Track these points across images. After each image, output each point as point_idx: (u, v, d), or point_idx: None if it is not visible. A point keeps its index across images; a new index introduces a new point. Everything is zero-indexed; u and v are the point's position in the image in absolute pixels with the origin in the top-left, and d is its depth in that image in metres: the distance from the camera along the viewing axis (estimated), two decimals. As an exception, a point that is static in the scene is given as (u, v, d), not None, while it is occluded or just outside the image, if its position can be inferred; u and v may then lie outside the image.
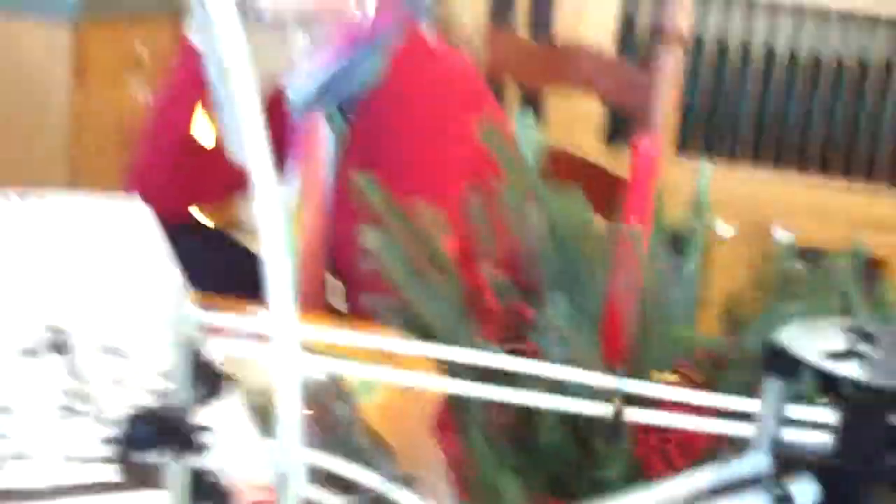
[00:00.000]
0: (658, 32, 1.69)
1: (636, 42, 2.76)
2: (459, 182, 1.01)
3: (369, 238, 0.81)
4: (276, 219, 0.31)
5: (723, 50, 2.81)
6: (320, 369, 0.43)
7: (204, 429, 0.33)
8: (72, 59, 2.98)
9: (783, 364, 0.23)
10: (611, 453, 0.64)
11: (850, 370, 0.23)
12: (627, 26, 2.79)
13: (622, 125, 2.67)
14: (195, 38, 1.57)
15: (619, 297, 0.75)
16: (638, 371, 0.69)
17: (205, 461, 0.33)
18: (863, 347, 0.23)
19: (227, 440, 0.33)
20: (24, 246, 0.86)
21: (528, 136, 0.87)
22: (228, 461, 0.33)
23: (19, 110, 2.94)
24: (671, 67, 1.67)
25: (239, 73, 0.33)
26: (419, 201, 0.83)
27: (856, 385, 0.22)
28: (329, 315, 1.49)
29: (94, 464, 0.62)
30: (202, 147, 1.61)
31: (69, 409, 0.71)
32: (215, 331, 0.36)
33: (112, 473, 0.57)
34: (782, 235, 2.50)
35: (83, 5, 3.01)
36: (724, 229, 2.53)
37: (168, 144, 1.59)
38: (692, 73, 2.78)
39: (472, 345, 0.73)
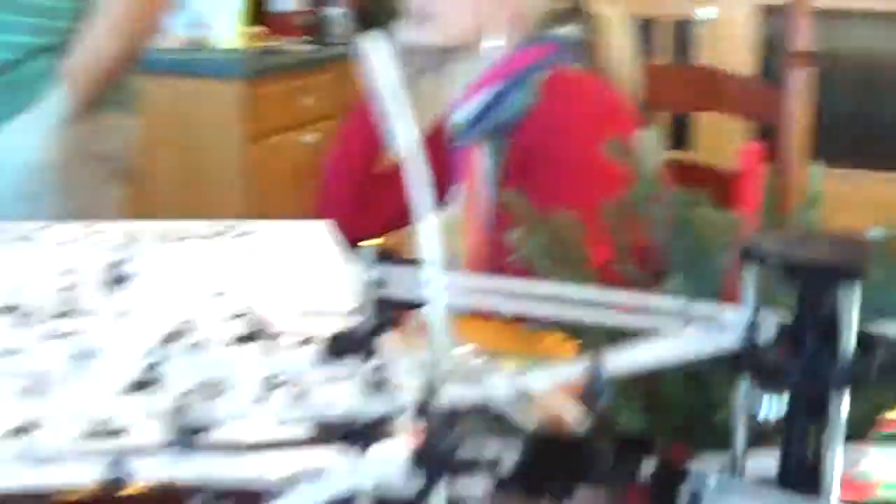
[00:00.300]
0: (786, 53, 1.79)
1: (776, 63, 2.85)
2: (604, 196, 1.12)
3: (516, 241, 0.95)
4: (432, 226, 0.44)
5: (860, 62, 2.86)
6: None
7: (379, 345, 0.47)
8: (245, 113, 3.21)
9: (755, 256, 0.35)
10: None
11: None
12: (768, 48, 2.88)
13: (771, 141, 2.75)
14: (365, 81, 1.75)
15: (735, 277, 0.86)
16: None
17: (381, 365, 0.46)
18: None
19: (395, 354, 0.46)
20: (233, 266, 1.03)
21: (650, 150, 0.99)
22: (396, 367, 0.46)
23: (198, 162, 3.18)
24: (801, 85, 1.77)
25: (397, 108, 0.46)
26: (564, 212, 0.96)
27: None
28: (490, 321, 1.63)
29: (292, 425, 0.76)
30: (384, 177, 1.79)
31: (274, 385, 0.87)
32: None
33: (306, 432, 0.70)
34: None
35: (253, 66, 3.25)
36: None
37: (352, 177, 1.79)
38: (832, 86, 2.85)
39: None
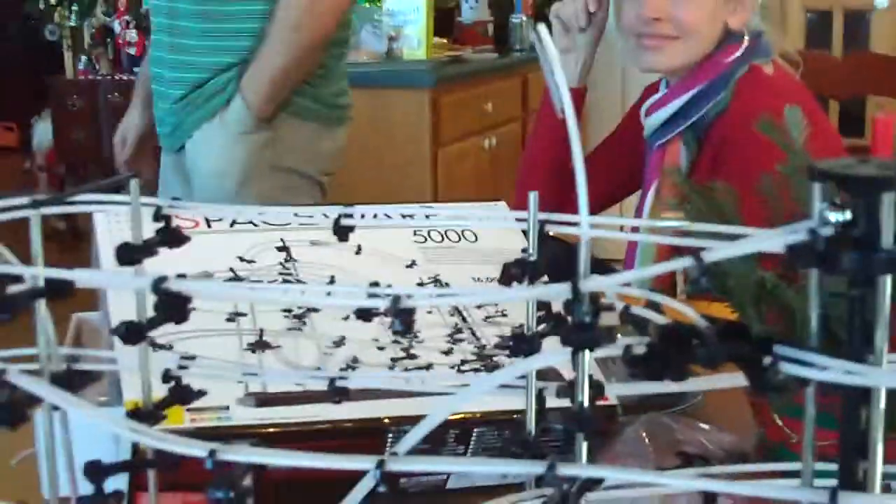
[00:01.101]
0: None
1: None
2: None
3: (674, 206, 1.07)
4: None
5: None
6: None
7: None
8: (431, 119, 3.39)
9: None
10: None
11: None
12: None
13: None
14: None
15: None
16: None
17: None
18: None
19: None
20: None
21: (796, 125, 1.09)
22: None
23: (389, 167, 3.36)
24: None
25: (564, 98, 0.56)
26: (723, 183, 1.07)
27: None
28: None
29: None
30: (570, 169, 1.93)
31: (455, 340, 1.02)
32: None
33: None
34: None
35: (439, 75, 3.43)
36: None
37: (541, 169, 1.92)
38: None
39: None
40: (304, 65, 2.06)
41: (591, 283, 0.50)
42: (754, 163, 1.69)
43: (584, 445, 0.54)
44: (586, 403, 0.53)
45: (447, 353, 1.01)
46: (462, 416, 0.96)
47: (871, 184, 0.48)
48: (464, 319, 1.05)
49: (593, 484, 0.52)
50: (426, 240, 1.15)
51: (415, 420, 0.49)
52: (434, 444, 0.97)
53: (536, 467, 0.50)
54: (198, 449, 0.48)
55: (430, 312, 1.05)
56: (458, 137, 3.50)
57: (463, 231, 1.17)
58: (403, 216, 1.09)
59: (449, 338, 1.02)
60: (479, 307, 1.05)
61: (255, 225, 1.13)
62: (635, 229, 0.68)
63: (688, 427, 1.05)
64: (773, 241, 0.48)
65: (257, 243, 1.10)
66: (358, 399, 0.93)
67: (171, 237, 0.60)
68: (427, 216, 1.10)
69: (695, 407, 1.14)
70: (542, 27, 0.54)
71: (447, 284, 1.10)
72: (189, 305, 0.51)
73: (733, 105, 1.68)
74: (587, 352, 0.52)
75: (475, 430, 0.97)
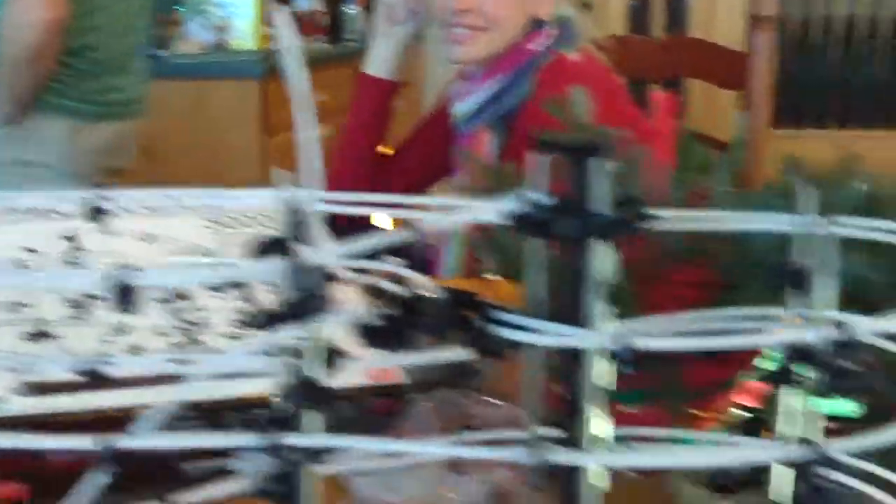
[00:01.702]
0: (750, 18, 1.91)
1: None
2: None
3: (464, 186, 1.08)
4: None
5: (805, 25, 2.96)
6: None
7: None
8: (261, 110, 3.36)
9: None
10: None
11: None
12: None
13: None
14: (370, 69, 1.89)
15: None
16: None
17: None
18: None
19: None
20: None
21: (581, 105, 1.11)
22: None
23: (218, 159, 3.32)
24: (763, 49, 1.88)
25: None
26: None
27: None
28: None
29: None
30: (383, 158, 1.93)
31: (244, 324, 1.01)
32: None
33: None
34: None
35: (267, 67, 3.40)
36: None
37: (354, 158, 1.93)
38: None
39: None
40: (24, 74, 2.23)
41: (315, 256, 0.50)
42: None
43: (315, 416, 0.54)
44: (317, 375, 0.53)
45: (235, 338, 1.00)
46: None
47: (579, 151, 0.49)
48: (251, 305, 1.05)
49: (322, 455, 0.52)
50: (217, 226, 1.14)
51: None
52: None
53: (260, 439, 0.50)
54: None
55: (217, 298, 1.04)
56: (290, 127, 3.47)
57: (257, 219, 1.16)
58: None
59: (238, 323, 1.02)
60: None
61: (45, 215, 1.10)
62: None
63: (480, 404, 1.06)
64: (487, 209, 0.49)
65: (44, 232, 1.08)
66: (137, 386, 0.92)
67: None
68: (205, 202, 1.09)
69: (490, 384, 1.15)
70: (282, 12, 0.54)
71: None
72: None
73: (537, 93, 1.71)
74: (318, 320, 0.52)
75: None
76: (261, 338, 0.56)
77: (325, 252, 0.51)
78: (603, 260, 0.49)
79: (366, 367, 0.98)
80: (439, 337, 0.51)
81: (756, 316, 0.64)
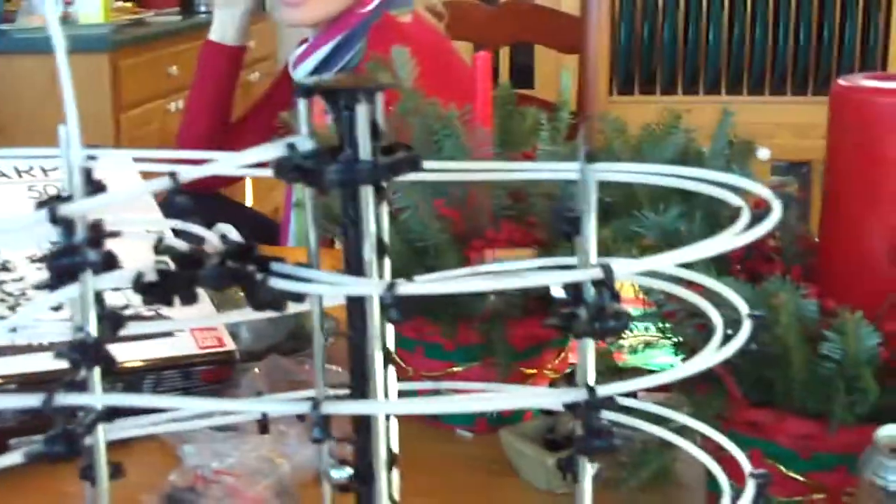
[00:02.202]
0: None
1: None
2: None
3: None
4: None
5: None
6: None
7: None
8: (110, 83, 3.30)
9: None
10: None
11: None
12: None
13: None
14: (214, 36, 1.88)
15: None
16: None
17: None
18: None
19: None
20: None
21: (404, 65, 1.11)
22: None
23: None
24: (598, 13, 1.91)
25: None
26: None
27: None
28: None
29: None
30: (227, 126, 1.92)
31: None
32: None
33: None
34: (763, 153, 2.70)
35: (117, 39, 3.33)
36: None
37: (199, 125, 1.91)
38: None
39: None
40: None
41: (71, 208, 0.49)
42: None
43: (95, 375, 0.54)
44: (93, 332, 0.52)
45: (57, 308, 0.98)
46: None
47: (347, 96, 0.49)
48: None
49: (107, 417, 0.52)
50: (41, 196, 1.12)
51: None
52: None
53: (34, 399, 0.49)
54: None
55: (39, 269, 1.02)
56: (142, 101, 3.42)
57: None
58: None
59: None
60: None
61: None
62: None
63: (312, 369, 1.06)
64: (261, 154, 0.49)
65: None
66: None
67: None
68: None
69: (325, 349, 1.15)
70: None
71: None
72: None
73: (366, 54, 1.72)
74: (89, 277, 0.51)
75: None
76: (35, 301, 0.55)
77: (90, 203, 0.50)
78: (372, 207, 0.50)
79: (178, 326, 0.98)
80: (216, 289, 0.51)
81: (551, 266, 0.66)
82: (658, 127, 1.05)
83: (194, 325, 0.99)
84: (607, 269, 0.46)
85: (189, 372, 1.00)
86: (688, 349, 0.85)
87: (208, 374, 1.01)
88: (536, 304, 0.96)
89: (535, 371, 1.01)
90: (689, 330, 0.81)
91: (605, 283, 0.46)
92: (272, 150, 0.49)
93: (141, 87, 3.43)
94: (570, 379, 1.00)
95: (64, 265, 0.49)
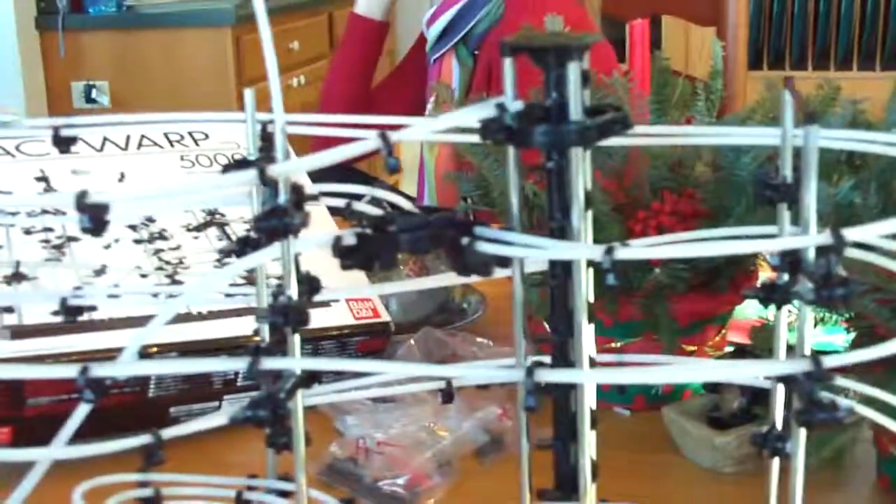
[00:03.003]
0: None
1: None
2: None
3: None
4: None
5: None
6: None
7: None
8: (233, 58, 3.32)
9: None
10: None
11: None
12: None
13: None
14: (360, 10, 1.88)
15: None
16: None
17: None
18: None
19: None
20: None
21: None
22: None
23: (192, 106, 3.28)
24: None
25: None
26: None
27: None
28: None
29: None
30: (367, 100, 1.92)
31: (224, 264, 0.99)
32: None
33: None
34: None
35: (239, 14, 3.36)
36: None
37: (339, 98, 1.91)
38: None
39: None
40: None
41: (279, 168, 0.48)
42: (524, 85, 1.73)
43: (296, 339, 0.53)
44: (294, 295, 0.52)
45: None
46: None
47: (557, 54, 0.47)
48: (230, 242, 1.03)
49: (307, 382, 0.51)
50: (194, 165, 1.12)
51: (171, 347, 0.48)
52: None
53: (239, 362, 0.48)
54: None
55: (196, 238, 1.03)
56: (263, 76, 3.43)
57: (233, 155, 1.15)
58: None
59: (217, 262, 1.00)
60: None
61: (13, 155, 1.08)
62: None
63: (464, 342, 1.05)
64: (465, 117, 0.47)
65: (13, 173, 1.06)
66: (119, 327, 0.91)
67: None
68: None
69: (474, 323, 1.14)
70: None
71: (217, 212, 1.08)
72: None
73: (504, 18, 1.70)
74: (291, 240, 0.51)
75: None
76: (236, 263, 0.54)
77: (292, 165, 0.49)
78: (580, 168, 0.48)
79: (346, 295, 0.98)
80: (417, 253, 0.50)
81: (742, 236, 0.63)
82: (816, 99, 1.02)
83: (356, 296, 0.98)
84: (838, 236, 0.44)
85: (345, 342, 0.99)
86: (865, 325, 0.82)
87: (364, 345, 1.00)
88: (700, 278, 0.94)
89: (695, 348, 0.98)
90: (870, 305, 0.78)
91: (835, 249, 0.44)
92: (478, 112, 0.48)
93: (263, 62, 3.44)
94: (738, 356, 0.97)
95: (272, 226, 0.48)
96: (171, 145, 1.15)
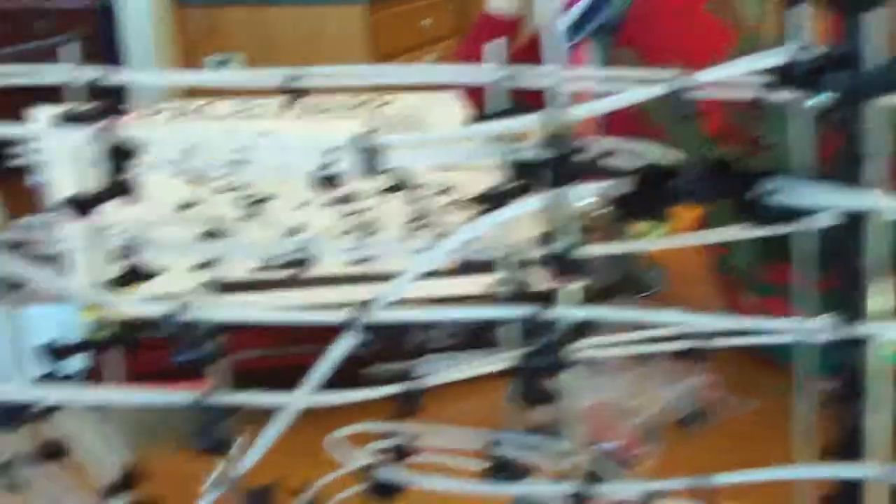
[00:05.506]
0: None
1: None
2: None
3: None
4: None
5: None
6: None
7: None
8: (367, 35, 3.34)
9: None
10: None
11: None
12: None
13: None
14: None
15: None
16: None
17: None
18: None
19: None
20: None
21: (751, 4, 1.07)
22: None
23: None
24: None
25: None
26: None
27: None
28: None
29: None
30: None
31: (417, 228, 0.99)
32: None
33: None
34: None
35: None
36: None
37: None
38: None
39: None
40: None
41: (575, 113, 0.47)
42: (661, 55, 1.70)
43: (578, 287, 0.52)
44: (569, 246, 0.51)
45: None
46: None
47: (857, 1, 0.46)
48: (423, 206, 1.03)
49: (583, 332, 0.50)
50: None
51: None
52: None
53: (521, 310, 0.48)
54: (163, 307, 0.46)
55: (385, 202, 1.03)
56: (396, 53, 3.45)
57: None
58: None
59: (409, 226, 1.00)
60: (441, 193, 1.03)
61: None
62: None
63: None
64: (756, 63, 0.46)
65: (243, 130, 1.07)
66: (317, 286, 0.91)
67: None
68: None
69: (657, 292, 1.13)
70: None
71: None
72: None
73: (638, 8, 1.70)
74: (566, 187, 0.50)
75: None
76: (494, 216, 0.53)
77: (584, 110, 0.48)
78: (876, 120, 0.46)
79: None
80: (702, 202, 0.49)
81: None
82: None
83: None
84: None
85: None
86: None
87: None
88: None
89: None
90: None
91: None
92: (771, 58, 0.46)
93: (396, 39, 3.46)
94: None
95: (556, 175, 0.47)
96: (349, 110, 1.15)
